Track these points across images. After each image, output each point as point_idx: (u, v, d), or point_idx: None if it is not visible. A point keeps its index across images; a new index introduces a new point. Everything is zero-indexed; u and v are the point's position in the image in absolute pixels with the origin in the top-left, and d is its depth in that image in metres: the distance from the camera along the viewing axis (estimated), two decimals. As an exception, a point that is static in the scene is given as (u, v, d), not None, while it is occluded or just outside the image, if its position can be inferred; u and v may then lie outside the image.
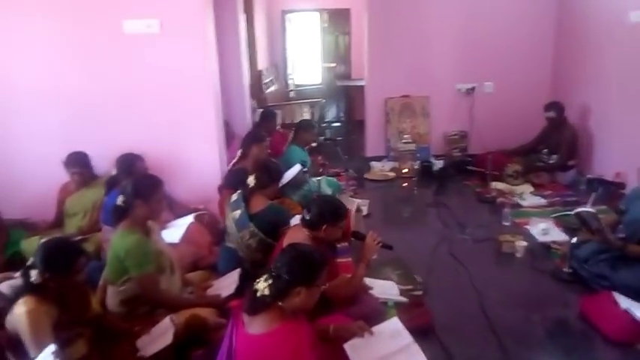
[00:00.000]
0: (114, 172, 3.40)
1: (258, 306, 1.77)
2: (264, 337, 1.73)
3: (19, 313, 1.96)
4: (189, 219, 3.34)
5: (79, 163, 3.48)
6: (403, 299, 2.93)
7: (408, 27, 5.66)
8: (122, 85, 3.76)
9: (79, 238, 3.31)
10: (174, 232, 3.15)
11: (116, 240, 2.47)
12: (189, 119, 3.86)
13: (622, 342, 2.57)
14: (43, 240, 3.20)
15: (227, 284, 2.78)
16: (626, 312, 2.64)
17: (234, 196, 3.14)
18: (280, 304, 1.76)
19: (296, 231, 2.55)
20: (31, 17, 3.62)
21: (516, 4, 5.62)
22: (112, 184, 3.34)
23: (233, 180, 3.64)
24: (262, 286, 1.76)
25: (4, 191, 3.50)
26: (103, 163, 3.63)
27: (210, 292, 2.77)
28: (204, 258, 3.24)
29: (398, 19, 5.63)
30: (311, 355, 1.73)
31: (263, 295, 1.75)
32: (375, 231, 2.66)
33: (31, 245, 3.31)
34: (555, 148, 5.11)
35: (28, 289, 2.03)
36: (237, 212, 3.01)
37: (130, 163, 3.39)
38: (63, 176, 3.55)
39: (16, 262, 3.13)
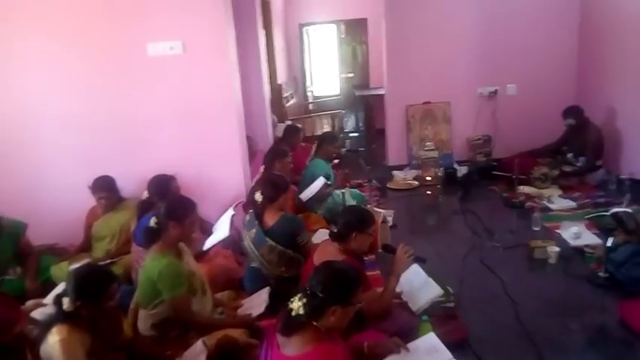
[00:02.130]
0: (145, 194, 3.38)
1: (293, 326, 1.74)
2: (300, 358, 1.70)
3: (53, 342, 1.97)
4: (229, 212, 3.35)
5: (105, 187, 3.51)
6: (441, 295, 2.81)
7: (426, 33, 5.62)
8: (146, 107, 3.81)
9: (108, 261, 3.36)
10: (221, 228, 3.20)
11: (148, 263, 2.48)
12: (212, 137, 3.88)
13: (668, 348, 2.48)
14: (72, 266, 3.27)
15: (257, 303, 2.77)
16: (671, 317, 2.54)
17: (247, 216, 3.14)
18: (315, 323, 1.74)
19: (326, 246, 2.53)
20: (54, 43, 3.69)
21: (538, 4, 5.53)
22: (145, 207, 3.28)
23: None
24: (297, 305, 1.73)
25: (33, 218, 3.53)
26: (129, 185, 3.66)
27: (241, 311, 2.76)
28: (235, 271, 3.23)
29: (415, 25, 5.60)
30: (347, 376, 1.70)
31: (298, 315, 1.72)
32: (402, 241, 2.63)
33: (60, 271, 3.35)
34: (580, 150, 5.00)
35: (60, 317, 2.04)
36: (253, 231, 3.01)
37: (164, 185, 3.35)
38: (90, 200, 3.58)
39: (47, 289, 3.17)
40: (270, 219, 3.01)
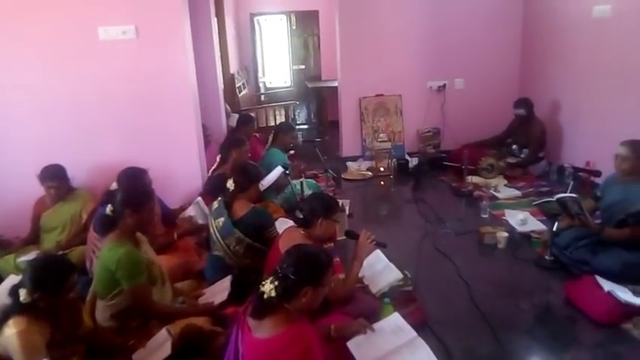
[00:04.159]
0: (114, 185, 3.21)
1: (264, 309, 1.75)
2: (273, 340, 1.71)
3: (10, 335, 1.89)
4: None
5: (55, 176, 3.36)
6: (400, 279, 2.91)
7: (378, 27, 5.70)
8: (98, 93, 3.68)
9: (59, 253, 3.22)
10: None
11: (105, 253, 2.41)
12: (168, 125, 3.80)
13: (607, 323, 2.67)
14: (20, 259, 3.14)
15: (219, 291, 2.75)
16: (609, 294, 2.74)
17: (215, 204, 3.09)
18: (287, 305, 1.76)
19: (291, 232, 2.55)
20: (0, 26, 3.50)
21: (484, 3, 5.74)
22: (110, 197, 3.16)
23: (213, 186, 3.59)
24: (269, 287, 1.74)
25: (-25, 209, 3.35)
26: (80, 174, 3.53)
27: (202, 300, 2.73)
28: (194, 263, 3.18)
29: (368, 19, 5.67)
30: (320, 356, 1.73)
31: (269, 297, 1.74)
32: (359, 230, 2.69)
33: (6, 264, 3.22)
34: (524, 142, 5.27)
35: (17, 309, 1.96)
36: (221, 220, 2.96)
37: (137, 178, 3.21)
38: (37, 190, 3.43)
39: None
40: (240, 209, 2.96)
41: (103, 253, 2.45)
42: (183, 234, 3.21)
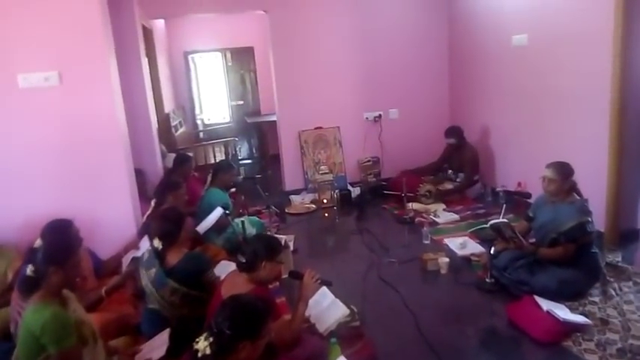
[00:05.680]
0: (38, 242, 2.87)
1: (200, 368, 1.66)
2: (210, 399, 1.62)
3: None
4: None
5: (-27, 233, 3.12)
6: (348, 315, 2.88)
7: (312, 61, 5.81)
8: (19, 145, 3.47)
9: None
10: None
11: (29, 316, 2.21)
12: (98, 172, 3.62)
13: (548, 342, 2.74)
14: None
15: (157, 346, 2.59)
16: (549, 313, 2.82)
17: (146, 254, 2.90)
18: (224, 361, 1.67)
19: (234, 277, 2.46)
20: None
21: (412, 36, 6.00)
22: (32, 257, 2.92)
23: (148, 233, 3.43)
24: (203, 345, 1.66)
25: None
26: (6, 230, 3.30)
27: (139, 357, 2.56)
28: (130, 317, 3.00)
29: (301, 54, 5.77)
30: (262, 411, 1.65)
31: (204, 356, 1.65)
32: (304, 265, 2.65)
33: None
34: (459, 167, 5.46)
35: None
36: (152, 271, 2.77)
37: (64, 232, 2.96)
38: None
39: None
40: (173, 257, 2.78)
41: (26, 317, 2.25)
42: (111, 290, 3.02)
